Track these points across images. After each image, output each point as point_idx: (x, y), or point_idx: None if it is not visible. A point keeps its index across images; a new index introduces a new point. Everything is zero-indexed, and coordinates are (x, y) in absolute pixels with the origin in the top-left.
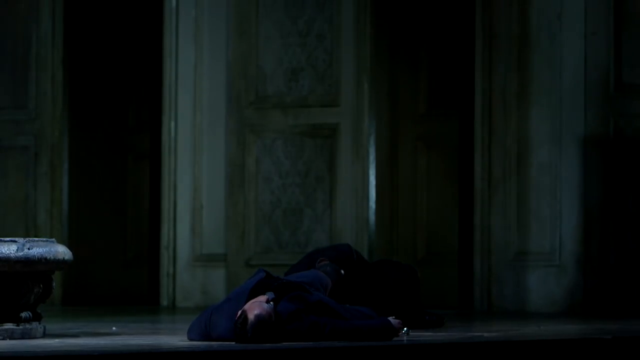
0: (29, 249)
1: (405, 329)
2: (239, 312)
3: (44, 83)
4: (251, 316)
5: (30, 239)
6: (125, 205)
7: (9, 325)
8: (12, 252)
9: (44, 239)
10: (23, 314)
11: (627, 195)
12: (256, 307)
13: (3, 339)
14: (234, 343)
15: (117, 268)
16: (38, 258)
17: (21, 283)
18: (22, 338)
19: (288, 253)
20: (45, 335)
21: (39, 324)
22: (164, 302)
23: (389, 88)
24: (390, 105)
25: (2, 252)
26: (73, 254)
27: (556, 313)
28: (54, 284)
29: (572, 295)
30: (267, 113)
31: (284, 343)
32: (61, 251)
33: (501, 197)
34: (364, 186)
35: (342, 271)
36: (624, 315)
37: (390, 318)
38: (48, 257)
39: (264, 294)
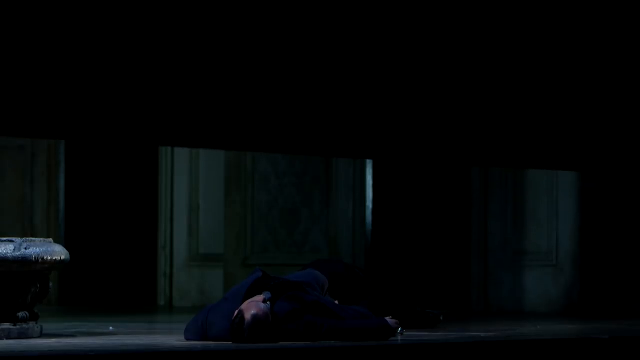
0: (26, 248)
1: (400, 328)
2: (236, 312)
3: None
4: (248, 316)
5: (27, 238)
6: (122, 205)
7: (6, 325)
8: (9, 251)
9: (41, 239)
10: (20, 314)
11: (624, 195)
12: (253, 306)
13: (0, 339)
14: (230, 343)
15: (114, 268)
16: (35, 258)
17: (18, 283)
18: (19, 338)
19: (285, 253)
20: (42, 335)
21: (36, 323)
22: (161, 302)
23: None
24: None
25: None
26: (70, 253)
27: (553, 313)
28: (50, 284)
29: (569, 295)
30: None
31: (281, 343)
32: (58, 251)
33: (498, 197)
34: (361, 186)
35: (336, 302)
36: (621, 315)
37: (387, 318)
38: (45, 257)
39: (260, 293)
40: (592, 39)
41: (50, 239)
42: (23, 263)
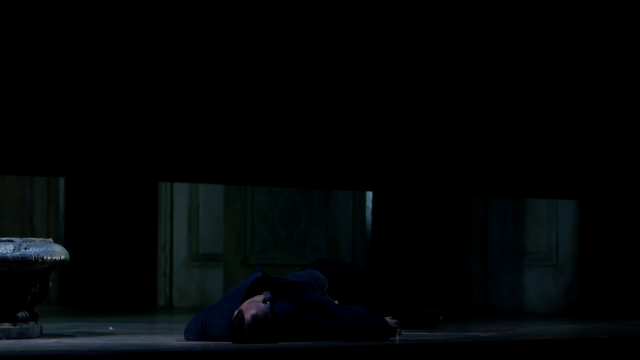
0: (25, 248)
1: (398, 329)
2: (236, 312)
3: None
4: (247, 316)
5: (27, 238)
6: (122, 205)
7: (5, 325)
8: (8, 251)
9: (41, 239)
10: (20, 314)
11: (623, 194)
12: (252, 306)
13: (0, 339)
14: (230, 343)
15: (114, 268)
16: (35, 258)
17: (18, 283)
18: (19, 338)
19: (285, 253)
20: (42, 335)
21: (36, 323)
22: (161, 301)
23: None
24: None
25: None
26: (70, 253)
27: (553, 313)
28: (50, 284)
29: (569, 294)
30: None
31: (281, 343)
32: (58, 251)
33: (498, 197)
34: None
35: (336, 301)
36: (621, 315)
37: (387, 318)
38: (45, 257)
39: (260, 293)
40: (585, 69)
41: (50, 239)
42: (23, 263)
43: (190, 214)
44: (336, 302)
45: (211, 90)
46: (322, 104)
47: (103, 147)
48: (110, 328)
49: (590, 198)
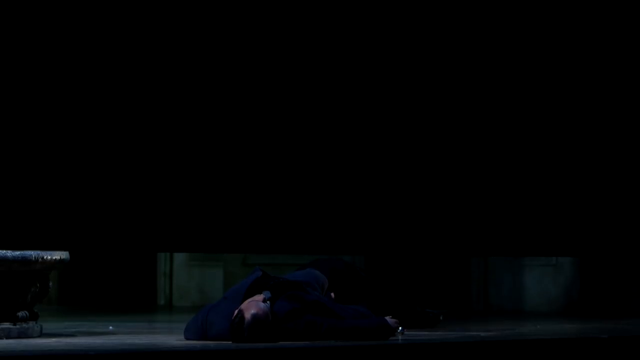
0: None
1: (400, 328)
2: (236, 312)
3: None
4: (247, 315)
5: None
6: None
7: (5, 325)
8: (9, 251)
9: None
10: (20, 313)
11: (623, 192)
12: (252, 306)
13: (0, 338)
14: (230, 342)
15: (114, 267)
16: (35, 257)
17: (18, 282)
18: (19, 337)
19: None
20: (42, 334)
21: (36, 323)
22: (161, 301)
23: None
24: None
25: None
26: (69, 253)
27: (553, 312)
28: (50, 283)
29: (569, 294)
30: None
31: (281, 342)
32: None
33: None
34: None
35: (332, 294)
36: (620, 314)
37: (387, 317)
38: (45, 257)
39: (260, 292)
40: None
41: None
42: (23, 262)
43: None
44: (332, 294)
45: (208, 160)
46: (317, 172)
47: (104, 223)
48: (110, 328)
49: (588, 256)
